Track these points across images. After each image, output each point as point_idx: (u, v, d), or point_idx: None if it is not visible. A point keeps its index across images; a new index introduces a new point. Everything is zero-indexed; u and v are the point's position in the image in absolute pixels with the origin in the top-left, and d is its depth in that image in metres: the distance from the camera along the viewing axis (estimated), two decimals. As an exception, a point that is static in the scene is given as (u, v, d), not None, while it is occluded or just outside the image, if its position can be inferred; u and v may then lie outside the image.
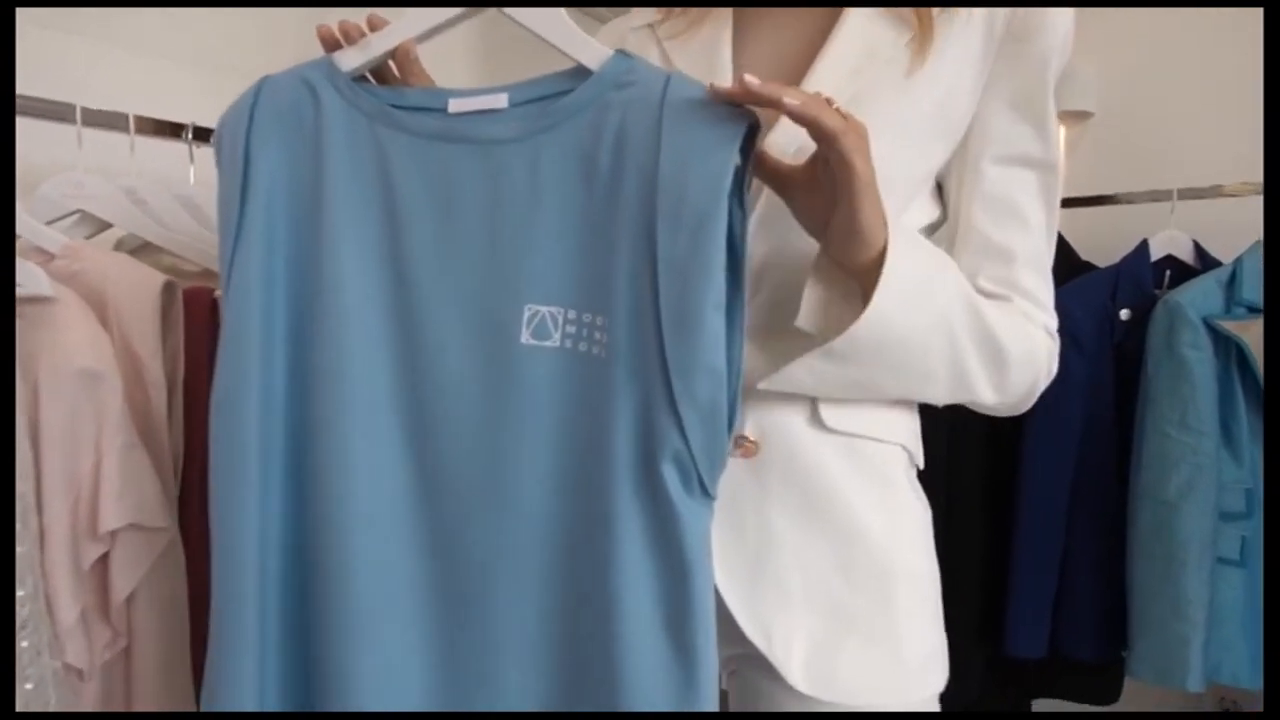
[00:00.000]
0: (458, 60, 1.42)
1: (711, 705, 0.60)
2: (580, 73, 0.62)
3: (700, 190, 0.56)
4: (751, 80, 0.54)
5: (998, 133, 0.69)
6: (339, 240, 0.62)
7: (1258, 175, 1.43)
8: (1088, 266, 1.51)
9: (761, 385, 0.65)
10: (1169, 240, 1.45)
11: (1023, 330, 0.69)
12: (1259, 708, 1.69)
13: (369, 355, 0.62)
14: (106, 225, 0.88)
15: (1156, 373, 1.33)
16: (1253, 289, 1.30)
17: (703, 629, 0.59)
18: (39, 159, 0.86)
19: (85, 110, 0.84)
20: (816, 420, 0.69)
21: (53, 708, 0.69)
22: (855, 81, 0.66)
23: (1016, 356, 0.68)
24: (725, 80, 0.63)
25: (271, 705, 0.63)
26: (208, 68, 1.16)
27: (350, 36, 0.66)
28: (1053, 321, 0.73)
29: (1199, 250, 1.46)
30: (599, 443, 0.59)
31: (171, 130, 0.92)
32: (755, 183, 0.65)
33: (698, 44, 0.72)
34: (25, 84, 0.80)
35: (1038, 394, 0.73)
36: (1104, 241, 1.53)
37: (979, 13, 0.68)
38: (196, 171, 0.95)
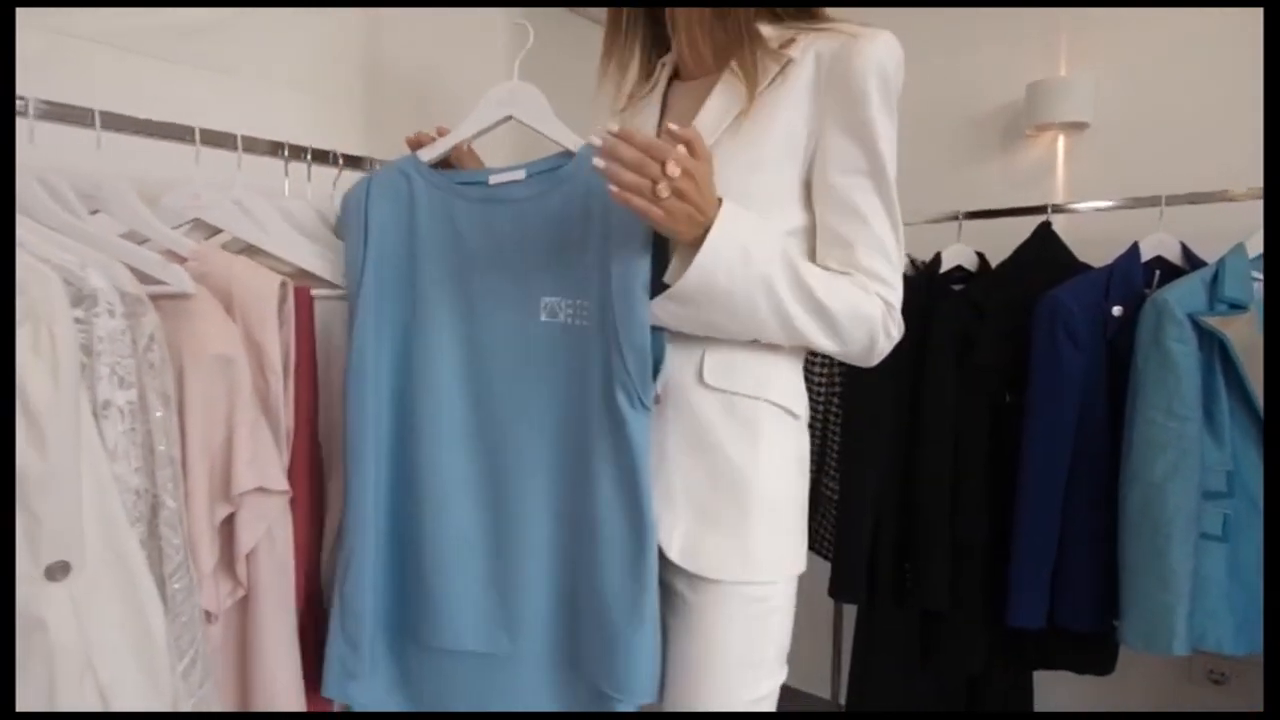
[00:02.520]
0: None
1: (652, 536, 0.90)
2: (567, 154, 0.97)
3: (636, 224, 0.88)
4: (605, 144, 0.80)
5: (835, 152, 0.92)
6: (426, 268, 0.99)
7: (1241, 183, 1.54)
8: (1083, 267, 1.61)
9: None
10: (1158, 243, 1.55)
11: (852, 295, 0.90)
12: (1245, 676, 1.80)
13: (447, 334, 0.98)
14: (216, 231, 1.00)
15: (1145, 365, 1.42)
16: (1234, 287, 1.40)
17: (643, 491, 0.89)
18: (162, 174, 0.98)
19: (203, 132, 0.97)
20: (701, 380, 0.94)
21: (199, 641, 0.81)
22: (719, 127, 0.94)
23: (841, 314, 0.89)
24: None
25: (383, 532, 0.99)
26: (299, 90, 1.29)
27: (422, 143, 1.03)
28: (891, 293, 0.93)
29: (1186, 252, 1.55)
30: (584, 379, 0.92)
31: (271, 149, 1.04)
32: None
33: (641, 118, 1.06)
34: (143, 110, 0.93)
35: (880, 349, 0.94)
36: (1098, 243, 1.64)
37: (804, 71, 0.92)
38: (290, 184, 1.07)
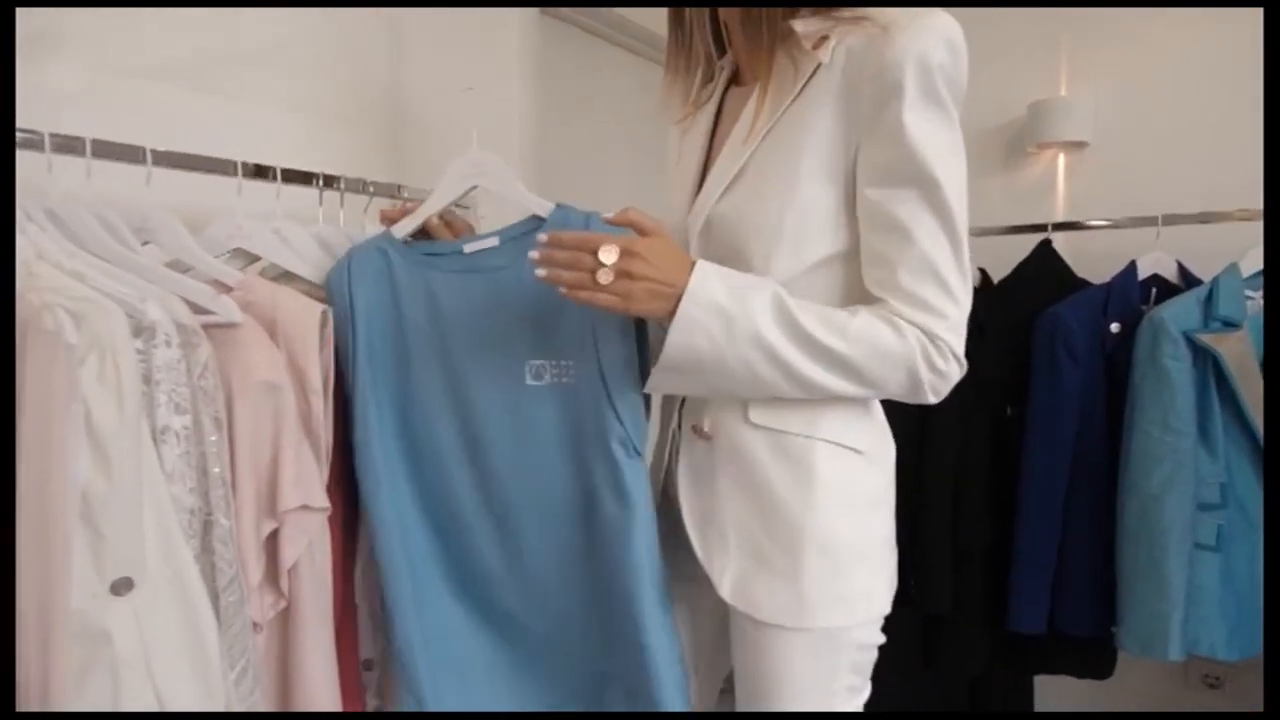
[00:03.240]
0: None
1: (643, 585, 0.94)
2: (537, 219, 1.00)
3: None
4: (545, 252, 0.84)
5: (871, 162, 0.83)
6: (414, 344, 1.01)
7: (1236, 203, 1.59)
8: (1083, 283, 1.66)
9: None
10: (1155, 261, 1.60)
11: (871, 332, 0.82)
12: (1239, 680, 1.85)
13: (438, 399, 1.01)
14: (255, 258, 1.05)
15: (1142, 380, 1.48)
16: (1228, 306, 1.45)
17: (636, 536, 0.94)
18: (206, 204, 1.03)
19: (244, 165, 1.02)
20: (747, 419, 0.91)
21: (249, 651, 0.86)
22: (750, 144, 0.89)
23: (858, 356, 0.82)
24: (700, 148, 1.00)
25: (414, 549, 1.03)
26: (314, 114, 1.34)
27: (393, 219, 1.03)
28: (935, 321, 0.82)
29: (1182, 270, 1.60)
30: (578, 432, 0.97)
31: (304, 178, 1.09)
32: None
33: (694, 129, 1.02)
34: (187, 145, 0.98)
35: (929, 386, 0.85)
36: (1098, 259, 1.69)
37: (834, 73, 0.83)
38: (323, 212, 1.12)
